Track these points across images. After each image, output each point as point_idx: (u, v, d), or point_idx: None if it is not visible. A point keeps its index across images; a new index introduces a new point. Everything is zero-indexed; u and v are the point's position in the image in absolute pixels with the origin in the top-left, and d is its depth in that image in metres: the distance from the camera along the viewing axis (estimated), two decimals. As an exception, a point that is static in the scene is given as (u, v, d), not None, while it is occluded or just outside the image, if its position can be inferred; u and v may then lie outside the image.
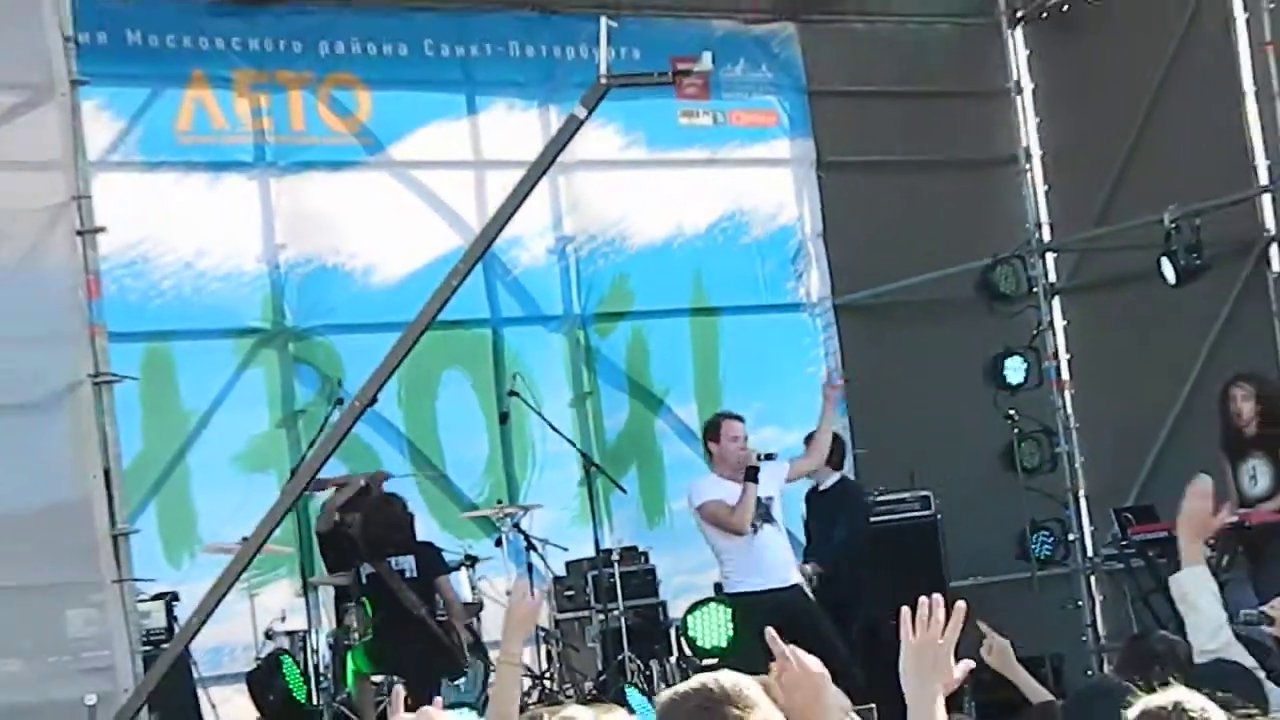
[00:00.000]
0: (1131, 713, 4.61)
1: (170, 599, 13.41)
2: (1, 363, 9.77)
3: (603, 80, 10.30)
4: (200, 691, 13.42)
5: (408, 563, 13.95)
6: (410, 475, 15.80)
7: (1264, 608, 7.11)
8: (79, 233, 9.82)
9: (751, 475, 13.09)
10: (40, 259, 9.83)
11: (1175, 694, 4.62)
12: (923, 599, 4.52)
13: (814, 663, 4.66)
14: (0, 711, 9.36)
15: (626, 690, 13.24)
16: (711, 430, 13.81)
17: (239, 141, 16.28)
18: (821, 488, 15.03)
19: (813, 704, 4.60)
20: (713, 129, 18.26)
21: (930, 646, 4.45)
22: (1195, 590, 7.21)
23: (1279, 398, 13.77)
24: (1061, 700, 7.35)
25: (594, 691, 13.66)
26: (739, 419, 13.75)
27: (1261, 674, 6.66)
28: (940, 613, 4.47)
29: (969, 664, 4.52)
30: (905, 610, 4.52)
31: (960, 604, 4.51)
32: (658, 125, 17.95)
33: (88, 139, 10.37)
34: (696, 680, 4.35)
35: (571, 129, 10.78)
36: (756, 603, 12.78)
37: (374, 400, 10.84)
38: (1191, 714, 4.43)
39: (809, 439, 14.28)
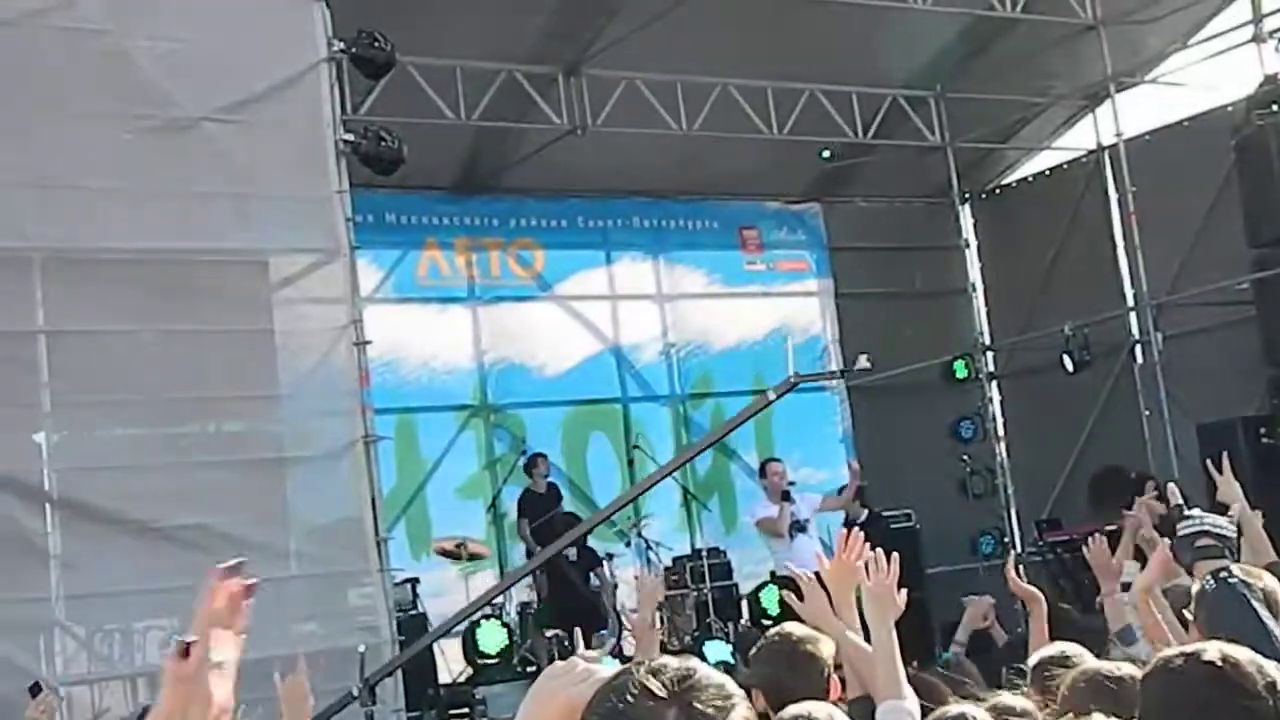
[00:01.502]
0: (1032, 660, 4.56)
1: (414, 582, 13.42)
2: (311, 428, 9.87)
3: (793, 377, 10.30)
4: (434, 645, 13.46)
5: (571, 553, 14.02)
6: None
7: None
8: (355, 344, 9.94)
9: (786, 496, 13.09)
10: (331, 361, 9.93)
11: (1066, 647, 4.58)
12: (869, 554, 4.40)
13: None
14: (307, 655, 9.42)
15: (706, 644, 13.12)
16: (762, 469, 13.82)
17: (457, 284, 16.38)
18: (859, 521, 14.91)
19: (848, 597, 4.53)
20: (766, 272, 18.24)
21: (881, 588, 4.31)
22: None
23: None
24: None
25: (689, 642, 13.60)
26: (779, 461, 13.79)
27: None
28: (884, 563, 4.33)
29: (905, 596, 4.30)
30: (859, 561, 4.41)
31: (895, 554, 4.37)
32: (730, 270, 17.97)
33: (360, 283, 10.50)
34: (778, 630, 4.33)
35: (763, 405, 10.62)
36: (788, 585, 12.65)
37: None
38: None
39: (841, 490, 14.17)
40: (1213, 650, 2.60)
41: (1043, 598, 6.47)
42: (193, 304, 9.47)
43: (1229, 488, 6.25)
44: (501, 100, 14.68)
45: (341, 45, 10.15)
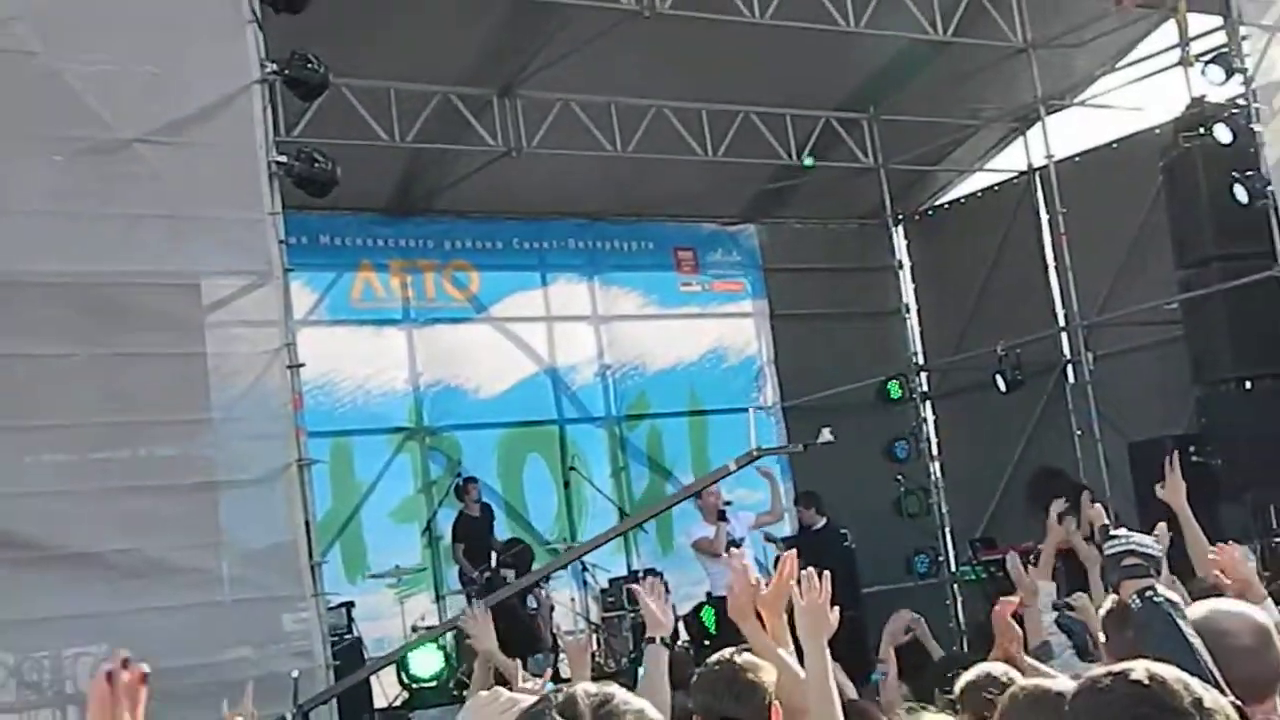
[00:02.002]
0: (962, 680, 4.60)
1: (349, 606, 13.36)
2: (244, 452, 9.79)
3: (754, 451, 10.39)
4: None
5: (510, 574, 13.99)
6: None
7: (1067, 599, 7.07)
8: (288, 367, 9.87)
9: (722, 517, 13.09)
10: (264, 384, 9.83)
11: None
12: (800, 572, 4.40)
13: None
14: (240, 681, 9.33)
15: (640, 666, 13.04)
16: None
17: (392, 306, 16.34)
18: (814, 528, 14.99)
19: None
20: (701, 293, 18.31)
21: (815, 606, 4.31)
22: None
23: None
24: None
25: (626, 663, 13.58)
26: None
27: (1071, 649, 6.58)
28: (816, 582, 4.33)
29: (837, 613, 4.31)
30: (794, 583, 4.40)
31: (827, 573, 4.37)
32: (666, 291, 18.02)
33: (294, 305, 10.43)
34: (719, 656, 4.30)
35: (722, 474, 10.88)
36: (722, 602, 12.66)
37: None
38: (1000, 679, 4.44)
39: (771, 509, 14.22)
40: (1140, 669, 2.64)
41: (1018, 638, 6.44)
42: (123, 327, 9.36)
43: (1175, 494, 6.40)
44: (436, 122, 14.67)
45: (274, 67, 10.09)
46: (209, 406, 9.65)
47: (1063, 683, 3.91)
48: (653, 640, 4.93)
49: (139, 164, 9.48)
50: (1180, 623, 3.25)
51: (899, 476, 18.01)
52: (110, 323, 9.33)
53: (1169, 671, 2.64)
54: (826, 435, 9.99)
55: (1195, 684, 2.63)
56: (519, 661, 6.69)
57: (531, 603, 14.07)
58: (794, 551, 4.61)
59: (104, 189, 9.37)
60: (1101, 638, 4.28)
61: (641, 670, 5.02)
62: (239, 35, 9.93)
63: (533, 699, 2.29)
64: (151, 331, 9.44)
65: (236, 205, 9.87)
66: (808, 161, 17.15)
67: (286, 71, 10.25)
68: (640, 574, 14.59)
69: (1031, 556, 9.40)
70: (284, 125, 12.03)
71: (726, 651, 4.29)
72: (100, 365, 9.30)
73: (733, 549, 12.95)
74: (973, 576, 15.93)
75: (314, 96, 11.02)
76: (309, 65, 10.37)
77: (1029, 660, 5.91)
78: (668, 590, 5.55)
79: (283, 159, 10.09)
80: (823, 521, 15.03)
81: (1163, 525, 3.86)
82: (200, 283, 9.84)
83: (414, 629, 14.20)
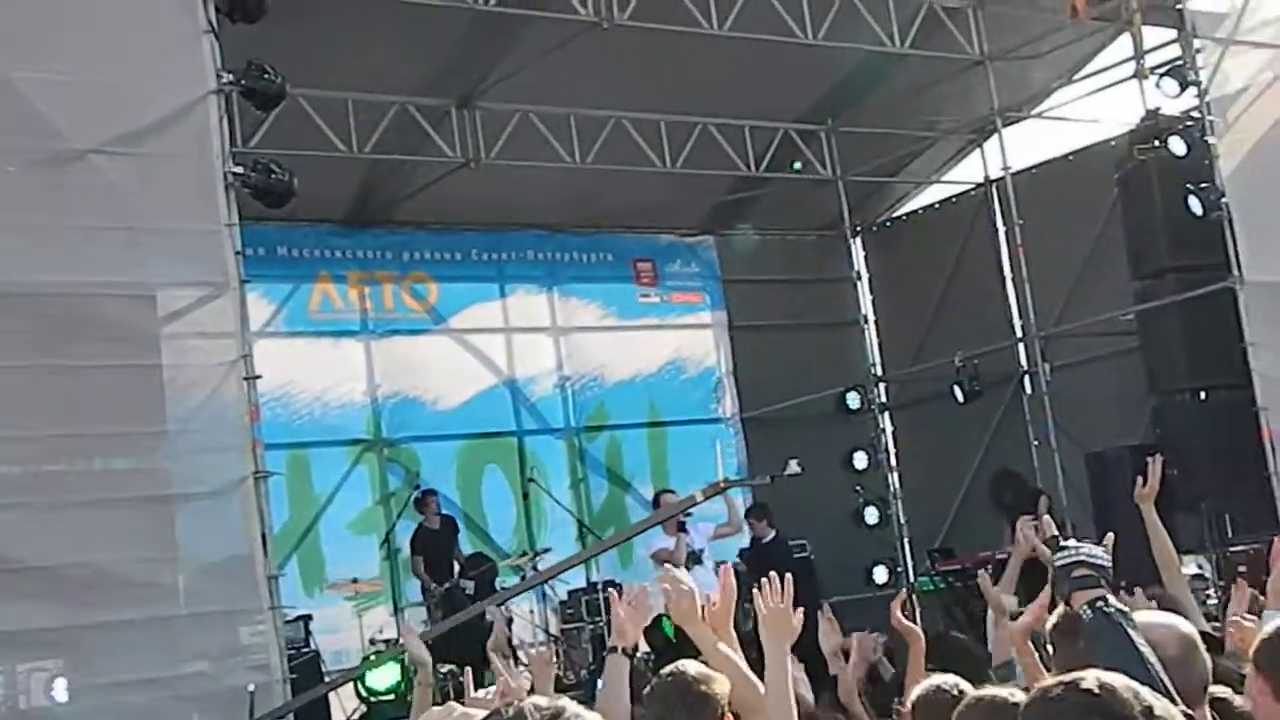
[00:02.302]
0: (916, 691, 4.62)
1: (307, 619, 13.29)
2: (200, 465, 9.74)
3: (721, 482, 10.48)
4: (326, 680, 13.29)
5: (469, 585, 13.96)
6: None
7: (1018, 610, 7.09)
8: (245, 379, 9.83)
9: (681, 528, 13.10)
10: (221, 396, 9.80)
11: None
12: (762, 579, 4.44)
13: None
14: (196, 694, 9.28)
15: (599, 677, 12.99)
16: (657, 501, 13.86)
17: (350, 318, 16.30)
18: (764, 540, 15.02)
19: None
20: (660, 305, 18.33)
21: (777, 613, 4.35)
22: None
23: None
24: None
25: (585, 675, 13.54)
26: (674, 493, 13.79)
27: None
28: (778, 586, 4.37)
29: (800, 615, 4.36)
30: (759, 593, 4.44)
31: (789, 576, 4.42)
32: (625, 303, 18.03)
33: (251, 317, 10.40)
34: (671, 668, 4.30)
35: (690, 504, 10.93)
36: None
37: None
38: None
39: (729, 520, 14.22)
40: (1090, 678, 2.66)
41: (922, 637, 6.51)
42: (78, 339, 9.31)
43: (1148, 500, 6.50)
44: (394, 133, 14.64)
45: (231, 77, 10.07)
46: (165, 419, 9.60)
47: (1019, 694, 3.93)
48: (615, 650, 4.91)
49: (94, 175, 9.43)
50: (1131, 633, 3.28)
51: (858, 487, 18.07)
52: (65, 334, 9.28)
53: (1119, 680, 2.66)
54: (794, 467, 10.05)
55: (1145, 693, 2.66)
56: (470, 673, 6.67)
57: (489, 616, 14.02)
58: (729, 564, 4.65)
59: (58, 200, 9.32)
60: (1050, 649, 4.31)
61: (601, 681, 5.01)
62: (195, 45, 9.89)
63: (485, 712, 2.30)
64: (107, 343, 9.38)
65: (193, 216, 9.83)
66: (796, 165, 17.34)
67: (243, 82, 10.23)
68: (600, 585, 14.62)
69: (989, 567, 9.47)
70: (241, 136, 12.01)
71: (680, 663, 4.29)
72: (54, 377, 9.24)
73: (665, 568, 12.99)
74: (931, 587, 15.98)
75: (271, 107, 10.99)
76: (266, 75, 10.35)
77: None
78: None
79: (239, 170, 10.06)
80: (773, 534, 15.07)
81: (1110, 535, 3.88)
82: (156, 294, 9.79)
83: (372, 641, 14.15)
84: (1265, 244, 13.80)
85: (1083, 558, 3.50)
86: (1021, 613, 7.02)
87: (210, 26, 9.90)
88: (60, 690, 8.98)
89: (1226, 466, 13.89)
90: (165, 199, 9.70)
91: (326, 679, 13.06)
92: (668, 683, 4.21)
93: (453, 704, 2.23)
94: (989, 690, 4.17)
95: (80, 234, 9.41)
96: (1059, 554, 3.55)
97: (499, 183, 15.60)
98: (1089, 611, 3.38)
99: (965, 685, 4.46)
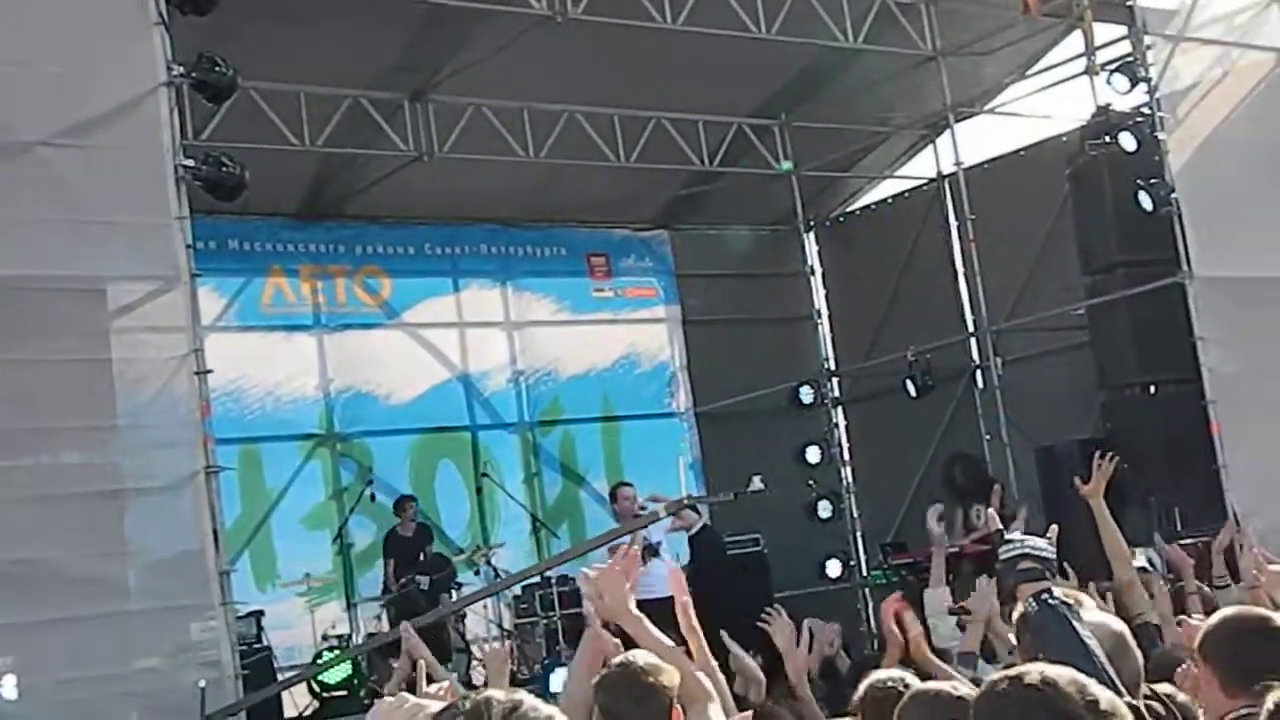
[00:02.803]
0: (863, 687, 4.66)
1: (259, 615, 13.25)
2: (151, 460, 9.69)
3: (686, 499, 10.56)
4: (279, 676, 13.26)
5: (424, 580, 13.94)
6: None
7: (962, 604, 7.15)
8: (196, 373, 9.78)
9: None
10: (171, 391, 9.74)
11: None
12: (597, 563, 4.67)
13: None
14: (147, 691, 9.24)
15: (554, 671, 13.00)
16: (612, 495, 13.86)
17: (303, 312, 16.23)
18: (692, 531, 15.03)
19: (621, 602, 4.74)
20: (614, 299, 18.32)
21: (605, 576, 4.68)
22: (936, 608, 7.28)
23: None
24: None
25: (539, 670, 13.54)
26: (630, 485, 13.82)
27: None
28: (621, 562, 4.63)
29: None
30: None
31: (634, 550, 4.67)
32: (579, 297, 18.02)
33: (202, 311, 10.35)
34: (620, 660, 4.34)
35: (651, 519, 11.24)
36: (645, 608, 12.66)
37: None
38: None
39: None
40: (1034, 672, 2.68)
41: (903, 643, 6.54)
42: (26, 333, 9.23)
43: (1095, 494, 6.57)
44: (347, 126, 14.57)
45: (181, 69, 10.00)
46: (114, 413, 9.54)
47: (964, 688, 3.96)
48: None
49: (42, 167, 9.36)
50: (1076, 624, 3.31)
51: (811, 481, 18.12)
52: (12, 328, 9.19)
53: (1063, 674, 2.68)
54: (757, 484, 10.15)
55: (1091, 686, 2.68)
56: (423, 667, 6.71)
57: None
58: (624, 546, 4.79)
59: (5, 192, 9.24)
60: (1013, 640, 4.35)
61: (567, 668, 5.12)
62: (145, 37, 9.83)
63: (440, 704, 2.30)
64: (55, 337, 9.32)
65: (143, 209, 9.76)
66: (786, 165, 17.38)
67: (194, 74, 10.17)
68: (553, 580, 14.62)
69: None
70: (192, 129, 11.91)
71: (629, 653, 4.31)
72: (2, 370, 9.17)
73: (652, 559, 13.02)
74: (884, 580, 16.01)
75: (222, 99, 10.93)
76: (217, 68, 10.29)
77: (934, 659, 5.98)
78: None
79: (190, 163, 10.00)
80: (701, 523, 15.10)
81: (1055, 527, 3.92)
82: (106, 288, 9.73)
83: (324, 637, 14.11)
84: (1214, 239, 13.93)
85: (1027, 550, 3.54)
86: (962, 608, 7.11)
87: (161, 18, 9.83)
88: (9, 688, 8.91)
89: (1175, 460, 14.02)
90: (115, 192, 9.63)
91: (279, 675, 13.04)
92: (616, 673, 4.22)
93: (405, 694, 2.24)
94: (933, 684, 4.20)
95: (28, 227, 9.33)
96: (1003, 547, 3.58)
97: (452, 176, 15.57)
98: (1034, 604, 3.41)
99: (911, 679, 4.49)
